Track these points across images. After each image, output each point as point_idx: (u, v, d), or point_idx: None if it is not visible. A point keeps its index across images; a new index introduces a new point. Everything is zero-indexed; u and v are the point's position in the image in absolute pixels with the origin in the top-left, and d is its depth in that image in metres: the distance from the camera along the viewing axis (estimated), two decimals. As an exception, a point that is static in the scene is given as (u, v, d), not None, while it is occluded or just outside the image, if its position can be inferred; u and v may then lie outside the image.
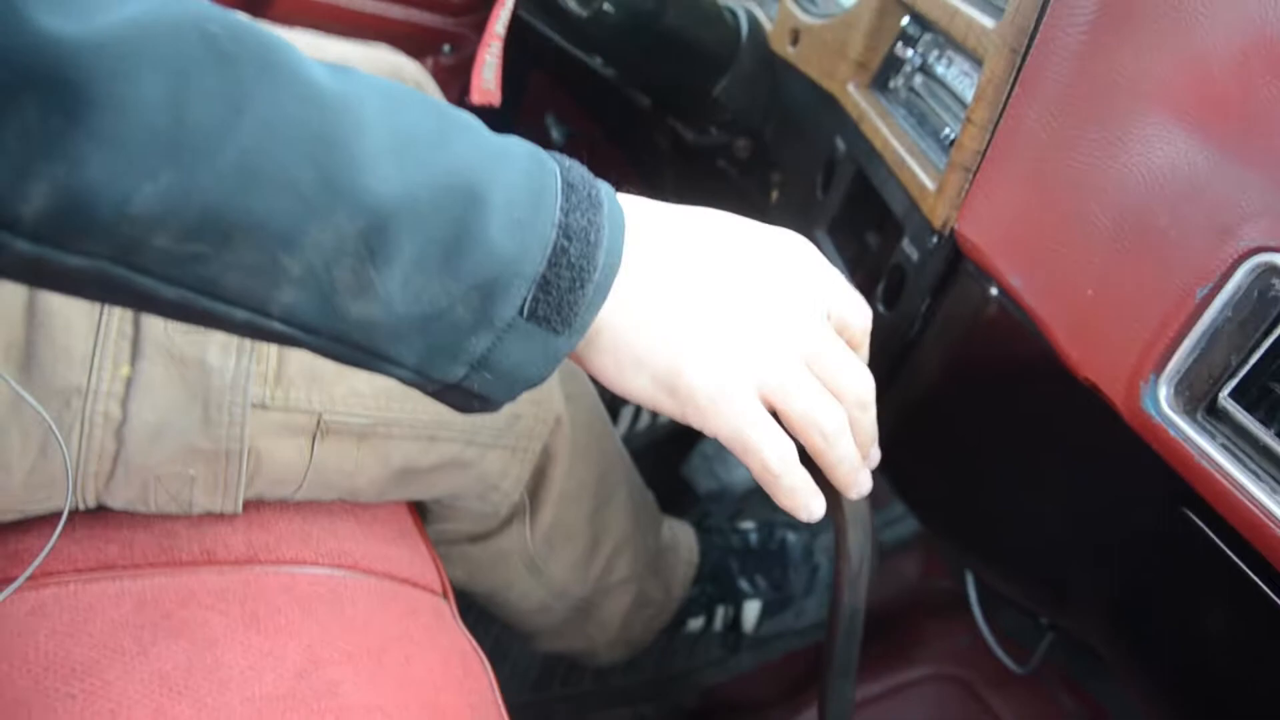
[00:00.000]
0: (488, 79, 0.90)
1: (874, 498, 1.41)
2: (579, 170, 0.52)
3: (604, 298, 0.51)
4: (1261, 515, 0.53)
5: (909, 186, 0.78)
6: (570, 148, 1.69)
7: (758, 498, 1.56)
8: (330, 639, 0.68)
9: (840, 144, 0.95)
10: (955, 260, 0.73)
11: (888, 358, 0.78)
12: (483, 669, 0.76)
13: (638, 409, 1.57)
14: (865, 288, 0.85)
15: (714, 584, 1.38)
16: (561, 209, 0.49)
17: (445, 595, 0.82)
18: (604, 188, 0.53)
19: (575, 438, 0.97)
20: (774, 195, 1.13)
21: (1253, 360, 0.55)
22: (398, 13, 1.53)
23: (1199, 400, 0.57)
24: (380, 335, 0.48)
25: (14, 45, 0.37)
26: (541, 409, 0.91)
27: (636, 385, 0.55)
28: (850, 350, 0.59)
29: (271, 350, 0.75)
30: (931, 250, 0.74)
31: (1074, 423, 0.67)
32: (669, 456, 1.58)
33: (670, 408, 0.55)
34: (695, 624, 1.39)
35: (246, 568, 0.72)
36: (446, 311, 0.48)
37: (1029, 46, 0.67)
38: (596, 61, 1.21)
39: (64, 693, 0.61)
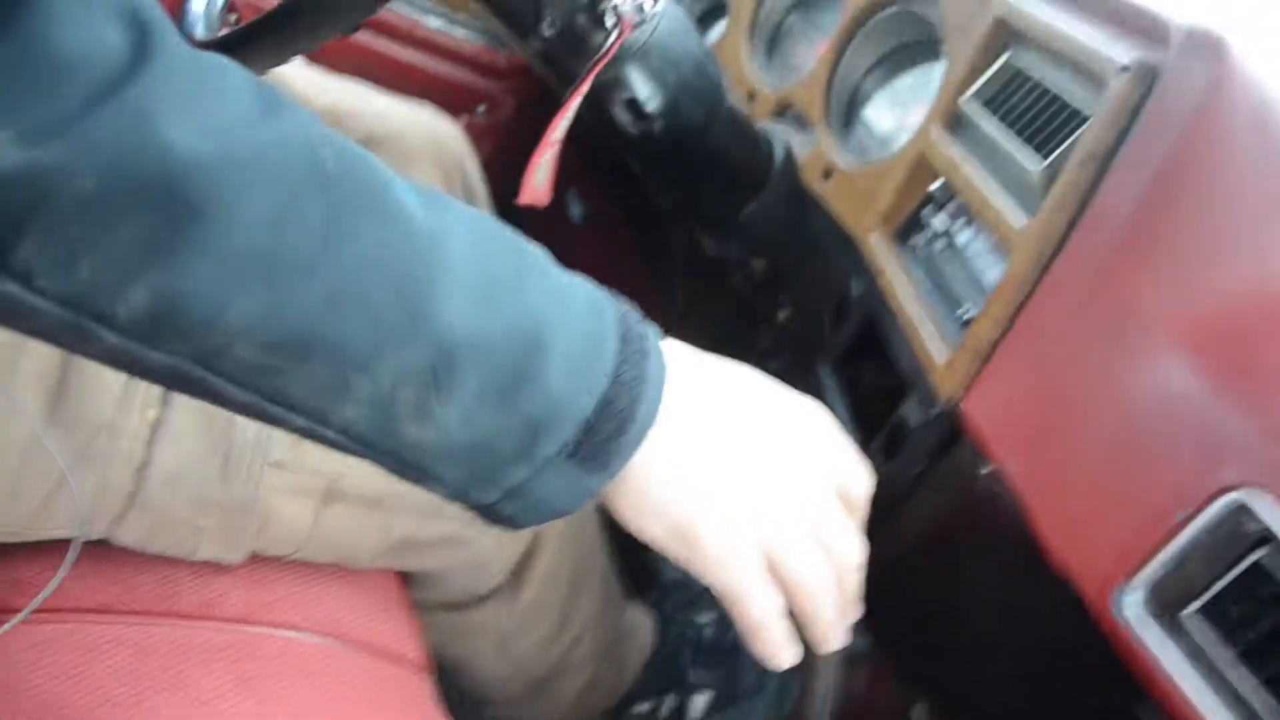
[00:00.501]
0: (540, 181, 0.93)
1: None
2: (633, 319, 0.56)
3: (638, 447, 0.54)
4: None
5: (919, 353, 0.82)
6: (589, 228, 1.73)
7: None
8: (316, 709, 0.71)
9: (855, 287, 0.99)
10: (954, 432, 0.77)
11: (875, 508, 0.81)
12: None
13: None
14: (864, 436, 0.89)
15: (665, 672, 1.40)
16: (615, 359, 0.53)
17: (426, 671, 0.85)
18: (652, 337, 0.56)
19: (567, 524, 1.00)
20: (781, 317, 1.16)
21: (1216, 588, 0.59)
22: (442, 69, 1.57)
23: (1165, 612, 0.61)
24: (430, 457, 0.51)
25: (143, 157, 0.40)
26: None
27: (651, 529, 0.58)
28: (850, 518, 0.63)
29: None
30: (933, 419, 0.78)
31: (1043, 607, 0.71)
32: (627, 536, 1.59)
33: (676, 554, 0.59)
34: (641, 708, 1.40)
35: (243, 627, 0.74)
36: (495, 443, 0.51)
37: (1054, 255, 0.71)
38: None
39: (60, 738, 0.63)
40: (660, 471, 0.56)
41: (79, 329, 0.43)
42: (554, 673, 1.17)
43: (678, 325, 0.85)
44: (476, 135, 1.60)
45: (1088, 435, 0.66)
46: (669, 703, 1.41)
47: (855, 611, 0.66)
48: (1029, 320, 0.72)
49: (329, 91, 1.09)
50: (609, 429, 0.53)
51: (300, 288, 0.44)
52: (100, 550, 0.77)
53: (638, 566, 1.49)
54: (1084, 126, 0.73)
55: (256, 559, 0.80)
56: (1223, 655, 0.59)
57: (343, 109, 1.08)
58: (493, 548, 0.93)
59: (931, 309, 0.84)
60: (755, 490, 0.59)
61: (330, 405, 0.48)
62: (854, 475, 0.63)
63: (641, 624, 1.39)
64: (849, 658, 1.52)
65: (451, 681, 1.14)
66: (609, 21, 0.92)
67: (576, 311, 0.53)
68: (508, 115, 1.62)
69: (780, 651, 0.61)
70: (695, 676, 1.41)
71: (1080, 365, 0.68)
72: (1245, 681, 0.57)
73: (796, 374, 1.07)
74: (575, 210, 1.67)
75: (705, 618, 1.47)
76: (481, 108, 1.61)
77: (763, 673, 1.45)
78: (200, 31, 0.94)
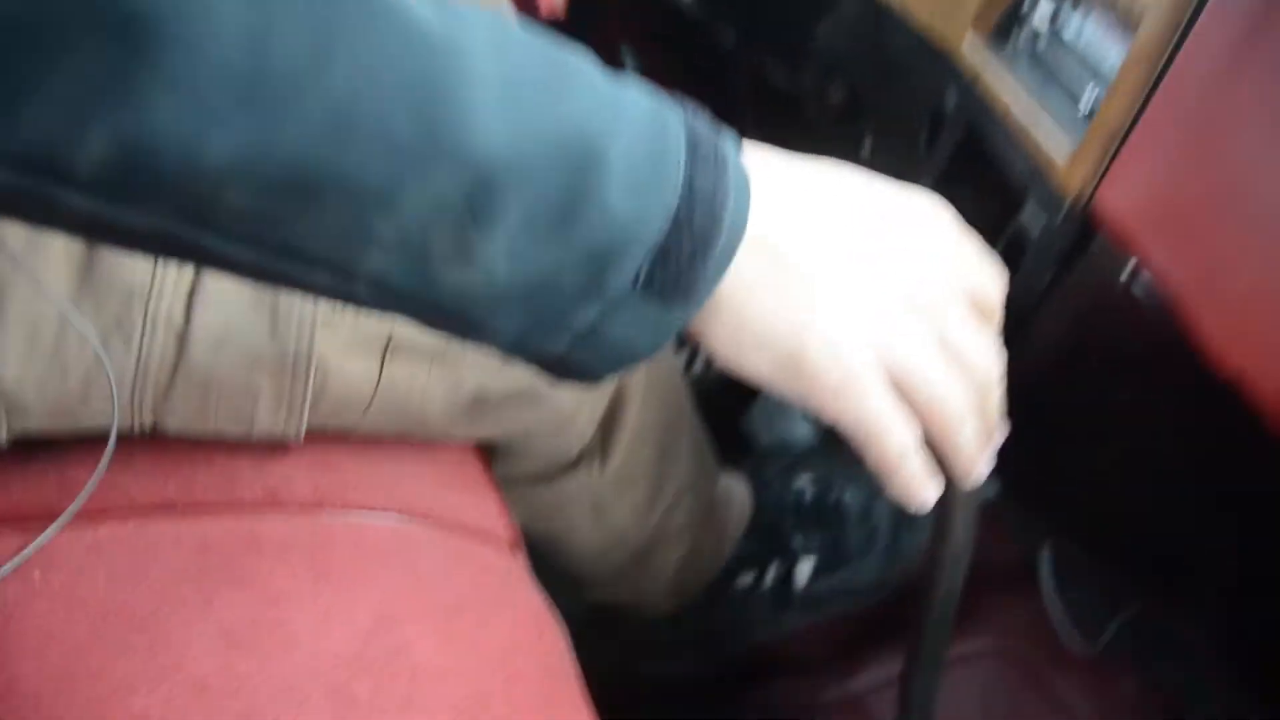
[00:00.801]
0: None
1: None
2: (703, 123, 0.47)
3: (725, 269, 0.46)
4: None
5: (1035, 153, 0.72)
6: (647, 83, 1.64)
7: (816, 454, 1.52)
8: (401, 596, 0.65)
9: (952, 98, 0.90)
10: (1085, 234, 0.68)
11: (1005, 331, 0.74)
12: (556, 631, 0.73)
13: (694, 352, 1.53)
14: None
15: (767, 539, 1.35)
16: (686, 170, 0.44)
17: (516, 549, 0.78)
18: (730, 143, 0.47)
19: (650, 375, 0.95)
20: (865, 149, 1.07)
21: None
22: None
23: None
24: (479, 305, 0.43)
25: None
26: None
27: (757, 365, 0.49)
28: (983, 326, 0.54)
29: None
30: (1060, 221, 0.69)
31: (1202, 413, 0.63)
32: (726, 406, 1.54)
33: (792, 391, 0.50)
34: (745, 579, 1.35)
35: (313, 513, 0.68)
36: (553, 280, 0.43)
37: (1196, 12, 0.61)
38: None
39: (125, 643, 0.57)
40: (756, 294, 0.48)
41: (38, 195, 0.36)
42: (653, 542, 1.11)
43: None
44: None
45: (1253, 216, 0.57)
46: (773, 571, 1.36)
47: (999, 436, 0.57)
48: (1167, 96, 0.62)
49: None
50: (687, 251, 0.44)
51: (293, 114, 0.36)
52: (154, 444, 0.71)
53: (731, 436, 1.44)
54: None
55: (320, 440, 0.73)
56: None
57: None
58: (572, 399, 0.86)
59: (1045, 105, 0.75)
60: (872, 303, 0.50)
61: (353, 255, 0.40)
62: (984, 275, 0.54)
63: (738, 492, 1.33)
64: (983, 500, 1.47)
65: (548, 562, 1.09)
66: None
67: (633, 119, 0.44)
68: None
69: (922, 488, 0.52)
70: (798, 542, 1.36)
71: (1237, 136, 0.58)
72: None
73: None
74: (630, 64, 1.58)
75: (803, 481, 1.41)
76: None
77: (871, 532, 1.40)
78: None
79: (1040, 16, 0.82)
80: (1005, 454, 0.85)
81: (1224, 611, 0.72)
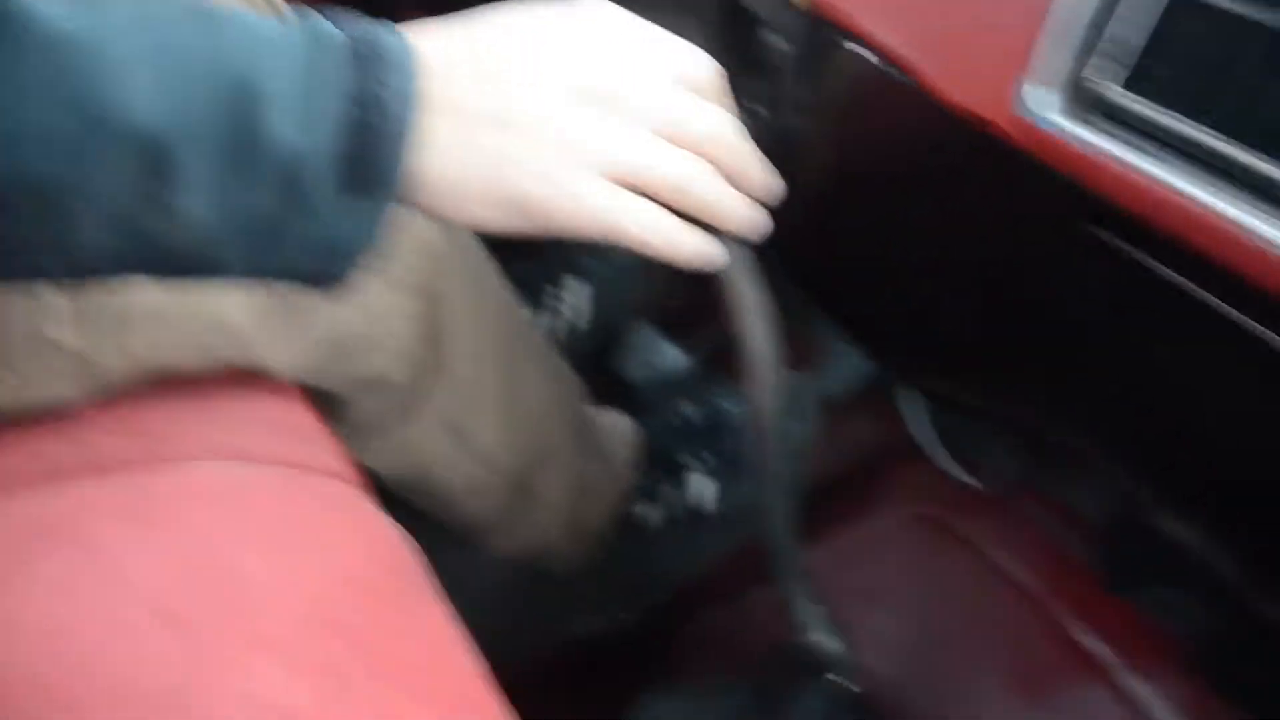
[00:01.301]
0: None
1: (810, 351, 1.40)
2: (358, 29, 0.50)
3: (412, 147, 0.49)
4: (1172, 195, 0.52)
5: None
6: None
7: (693, 375, 1.55)
8: (230, 528, 0.65)
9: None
10: (819, 35, 0.70)
11: (777, 156, 0.75)
12: (408, 552, 0.72)
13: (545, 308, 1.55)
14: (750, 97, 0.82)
15: (660, 466, 1.36)
16: (347, 78, 0.48)
17: (360, 485, 0.78)
18: (386, 36, 0.50)
19: (464, 275, 0.94)
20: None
21: (1140, 41, 0.53)
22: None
23: (1079, 93, 0.55)
24: (202, 249, 0.48)
25: None
26: (413, 244, 0.86)
27: (488, 218, 0.53)
28: (699, 100, 0.56)
29: None
30: (797, 33, 0.71)
31: (973, 169, 0.65)
32: (593, 354, 1.56)
33: (530, 228, 0.53)
34: (651, 512, 1.36)
35: (137, 471, 0.68)
36: (258, 211, 0.47)
37: None
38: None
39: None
40: (459, 157, 0.51)
41: None
42: (528, 466, 1.10)
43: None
44: None
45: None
46: (677, 498, 1.37)
47: (763, 182, 0.59)
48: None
49: None
50: (370, 149, 0.48)
51: None
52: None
53: (608, 384, 1.44)
54: None
55: (141, 394, 0.73)
56: (1165, 123, 0.52)
57: None
58: (381, 298, 0.84)
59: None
60: (565, 118, 0.53)
61: (74, 239, 0.46)
62: (683, 57, 0.56)
63: (619, 421, 1.35)
64: (851, 402, 1.50)
65: (437, 516, 1.09)
66: None
67: (286, 50, 0.48)
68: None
69: (682, 242, 0.55)
70: (692, 461, 1.37)
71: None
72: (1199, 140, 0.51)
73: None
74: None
75: (684, 404, 1.43)
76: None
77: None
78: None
79: None
80: (827, 292, 0.88)
81: (1087, 402, 0.74)
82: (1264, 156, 0.49)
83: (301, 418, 0.81)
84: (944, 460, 1.37)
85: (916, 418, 1.38)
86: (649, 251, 0.55)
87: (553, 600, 1.37)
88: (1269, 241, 0.48)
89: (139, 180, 0.45)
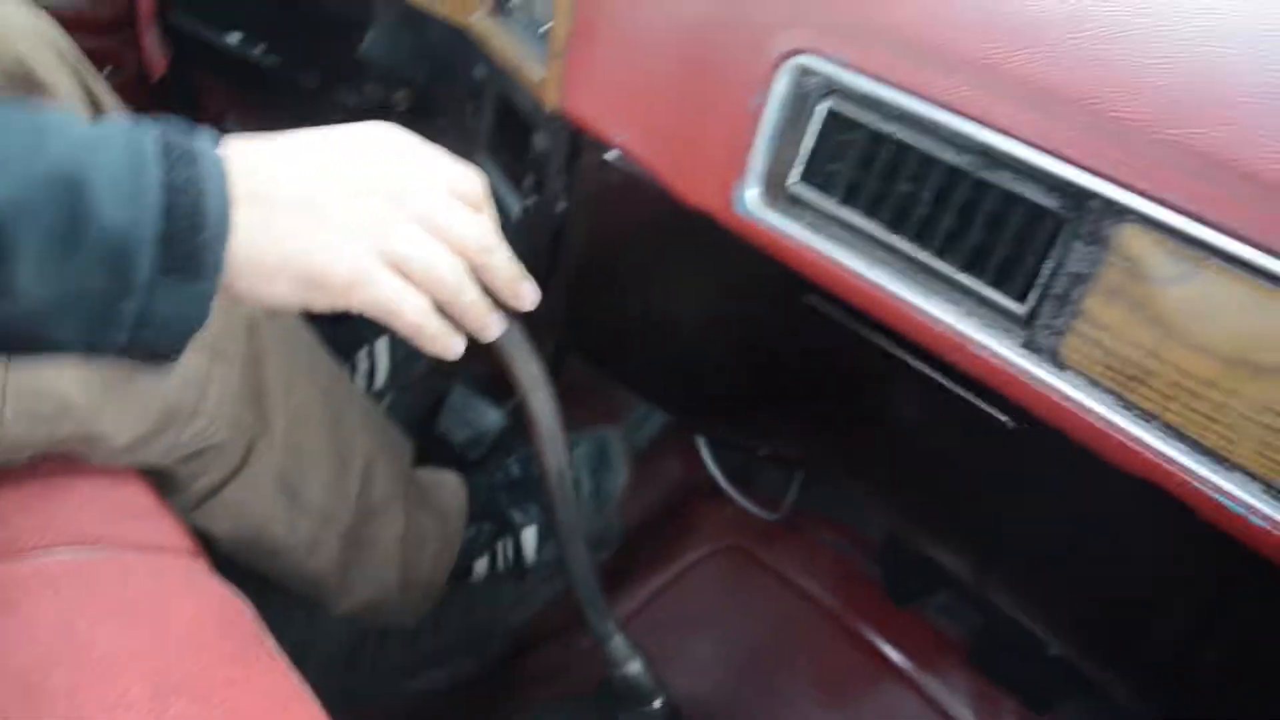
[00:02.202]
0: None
1: (616, 404, 1.48)
2: (175, 132, 0.57)
3: (225, 235, 0.56)
4: (845, 274, 0.63)
5: (527, 84, 0.85)
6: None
7: (513, 435, 1.63)
8: (82, 608, 0.72)
9: (480, 71, 1.02)
10: (577, 138, 0.81)
11: (546, 239, 0.85)
12: (243, 611, 0.79)
13: (371, 369, 1.60)
14: (522, 190, 0.92)
15: (489, 520, 1.43)
16: (164, 170, 0.55)
17: (196, 556, 0.85)
18: (201, 139, 0.58)
19: (282, 340, 1.00)
20: (440, 134, 1.18)
21: (808, 147, 0.64)
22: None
23: (779, 193, 0.66)
24: (33, 323, 0.53)
25: None
26: (230, 314, 0.93)
27: (282, 293, 0.60)
28: (466, 209, 0.66)
29: None
30: (555, 134, 0.82)
31: (710, 249, 0.75)
32: (417, 420, 1.62)
33: (319, 300, 0.61)
34: (481, 565, 1.42)
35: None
36: (86, 289, 0.53)
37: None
38: (255, 53, 1.24)
39: None
40: (260, 237, 0.59)
41: None
42: (360, 518, 1.17)
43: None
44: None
45: (663, 71, 0.71)
46: (503, 550, 1.44)
47: (528, 291, 0.69)
48: (584, 6, 0.76)
49: None
50: (184, 233, 0.55)
51: None
52: None
53: (432, 446, 1.51)
54: None
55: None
56: (834, 210, 0.64)
57: None
58: (200, 368, 0.92)
59: (529, 46, 0.88)
60: (353, 212, 0.61)
61: None
62: (454, 173, 0.67)
63: (447, 477, 1.41)
64: (655, 448, 1.59)
65: (277, 577, 1.15)
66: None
67: (110, 146, 0.54)
68: (133, 71, 1.58)
69: (446, 341, 0.65)
70: (517, 515, 1.44)
71: (635, 19, 0.72)
72: (859, 223, 0.63)
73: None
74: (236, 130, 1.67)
75: (508, 459, 1.50)
76: (108, 69, 1.56)
77: (574, 485, 1.49)
78: None
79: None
80: (604, 354, 0.97)
81: (837, 441, 0.85)
82: (899, 236, 0.61)
83: (137, 496, 0.88)
84: (741, 497, 1.48)
85: (711, 459, 1.49)
86: (411, 337, 0.64)
87: (395, 656, 1.41)
88: (914, 307, 0.60)
89: None
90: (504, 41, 0.92)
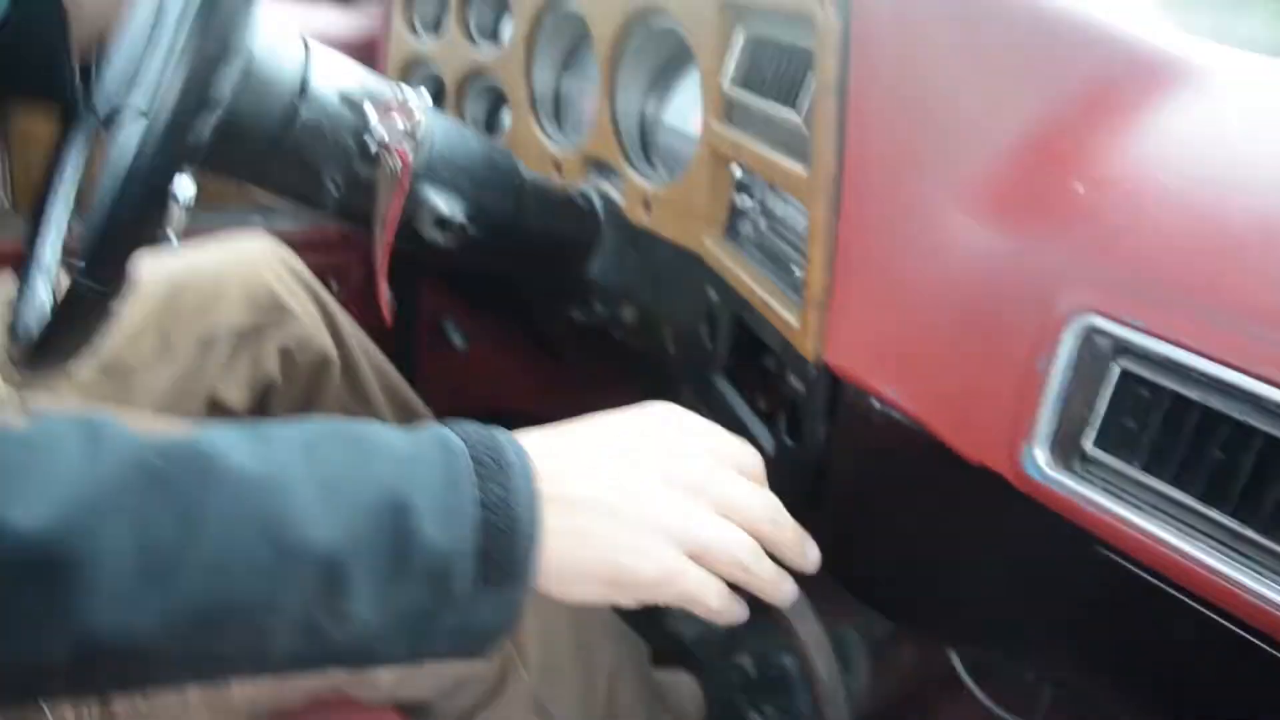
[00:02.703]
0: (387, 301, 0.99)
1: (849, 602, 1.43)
2: (481, 439, 0.59)
3: (537, 543, 0.58)
4: (1149, 543, 0.59)
5: (778, 326, 0.84)
6: (475, 351, 1.76)
7: (744, 630, 1.59)
8: None
9: (713, 294, 1.01)
10: (836, 384, 0.79)
11: (805, 483, 0.83)
12: None
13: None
14: (773, 425, 0.90)
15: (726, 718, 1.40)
16: (478, 488, 0.56)
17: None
18: (505, 444, 0.59)
19: None
20: (671, 350, 1.19)
21: (1101, 409, 0.61)
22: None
23: (1073, 456, 0.63)
24: (368, 647, 0.55)
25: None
26: None
27: (587, 593, 0.61)
28: (753, 485, 0.66)
29: None
30: (813, 380, 0.80)
31: (991, 504, 0.72)
32: (645, 616, 1.61)
33: (624, 599, 0.62)
34: (720, 763, 1.41)
35: None
36: (413, 608, 0.55)
37: (840, 186, 0.74)
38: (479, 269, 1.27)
39: None
40: (566, 541, 0.60)
41: (26, 688, 0.51)
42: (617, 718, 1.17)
43: (593, 396, 0.87)
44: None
45: (938, 331, 0.68)
46: (738, 746, 1.41)
47: (812, 554, 0.69)
48: (845, 254, 0.74)
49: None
50: (502, 546, 0.56)
51: (183, 578, 0.50)
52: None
53: (664, 645, 1.50)
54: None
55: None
56: (1136, 476, 0.60)
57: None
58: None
59: (773, 281, 0.87)
60: (657, 504, 0.62)
61: (266, 648, 0.53)
62: (732, 448, 0.67)
63: (683, 680, 1.41)
64: (889, 637, 1.54)
65: None
66: (383, 155, 0.95)
67: (427, 466, 0.56)
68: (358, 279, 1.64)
69: (736, 613, 0.66)
70: (755, 716, 1.41)
71: (904, 273, 0.70)
72: (1160, 489, 0.59)
73: (700, 396, 1.09)
74: (457, 339, 1.70)
75: (741, 658, 1.48)
76: (333, 284, 1.62)
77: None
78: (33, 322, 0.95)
79: (753, 204, 0.95)
80: (862, 588, 0.94)
81: (1120, 672, 0.80)
82: (1208, 505, 0.57)
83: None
84: (986, 699, 1.41)
85: (959, 662, 1.43)
86: (708, 616, 0.64)
87: None
88: (1233, 582, 0.56)
89: (319, 594, 0.52)
90: (744, 273, 0.91)
